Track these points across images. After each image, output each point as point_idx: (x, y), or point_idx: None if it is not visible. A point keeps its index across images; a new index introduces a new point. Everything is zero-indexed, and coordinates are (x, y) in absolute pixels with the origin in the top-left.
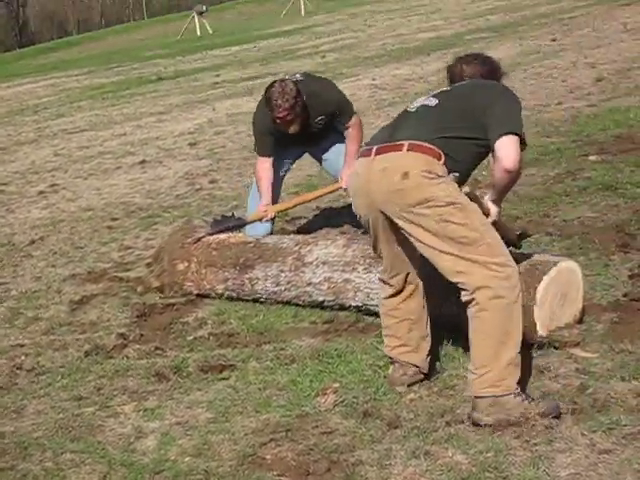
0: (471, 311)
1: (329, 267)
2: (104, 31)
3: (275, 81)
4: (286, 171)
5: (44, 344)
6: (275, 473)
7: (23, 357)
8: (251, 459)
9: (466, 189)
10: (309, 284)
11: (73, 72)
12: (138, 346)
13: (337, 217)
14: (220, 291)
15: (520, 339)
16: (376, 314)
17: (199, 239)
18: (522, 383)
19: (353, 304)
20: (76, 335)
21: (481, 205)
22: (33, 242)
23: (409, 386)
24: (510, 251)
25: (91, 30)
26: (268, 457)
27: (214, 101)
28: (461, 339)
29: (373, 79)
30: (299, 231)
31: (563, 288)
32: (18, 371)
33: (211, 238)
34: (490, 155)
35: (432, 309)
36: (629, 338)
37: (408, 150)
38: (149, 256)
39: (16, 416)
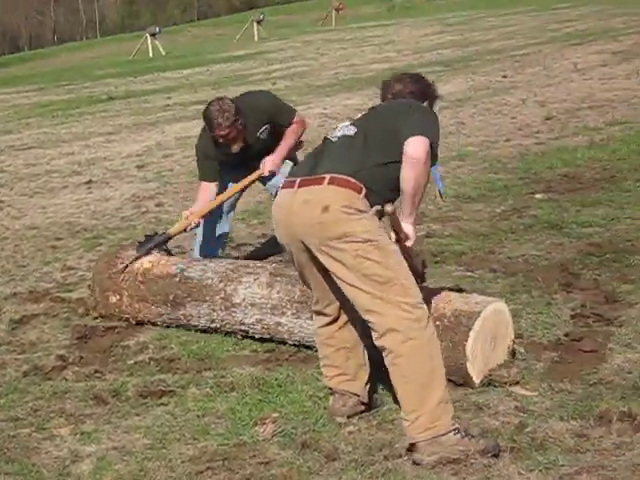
0: (387, 359)
1: (258, 309)
2: (56, 48)
3: (213, 100)
4: (239, 195)
5: None
6: None
7: None
8: None
9: (389, 208)
10: (242, 324)
11: (23, 88)
12: (77, 368)
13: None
14: (158, 323)
15: (443, 372)
16: (315, 348)
17: (125, 268)
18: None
19: (290, 342)
20: (15, 355)
21: (400, 228)
22: None
23: (349, 418)
24: (440, 289)
25: (43, 47)
26: None
27: (164, 124)
28: None
29: (324, 108)
30: (245, 257)
31: (492, 332)
32: None
33: (136, 267)
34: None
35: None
36: (569, 378)
37: (329, 183)
38: (91, 278)
39: None
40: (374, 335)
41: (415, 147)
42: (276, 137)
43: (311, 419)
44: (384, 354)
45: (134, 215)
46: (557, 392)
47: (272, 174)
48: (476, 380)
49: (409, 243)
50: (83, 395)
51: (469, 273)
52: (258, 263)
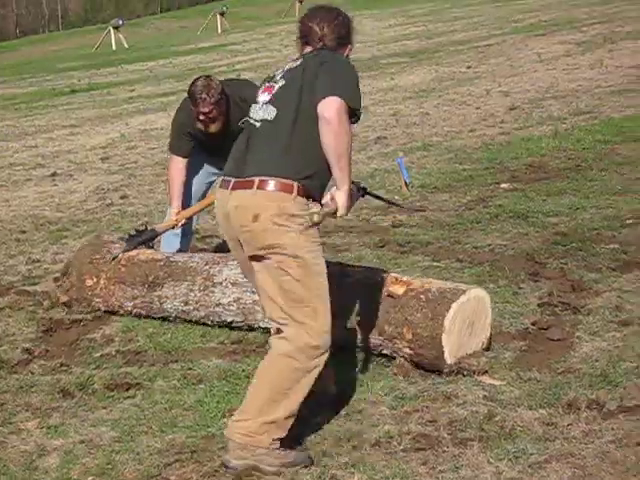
0: (267, 355)
1: (238, 288)
2: (19, 41)
3: (200, 76)
4: (211, 183)
5: None
6: None
7: None
8: None
9: (316, 218)
10: (218, 304)
11: None
12: (43, 362)
13: None
14: (128, 308)
15: (297, 405)
16: None
17: (114, 259)
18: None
19: (262, 325)
20: None
21: (328, 210)
22: None
23: (317, 409)
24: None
25: (6, 40)
26: (173, 478)
27: (127, 116)
28: (369, 363)
29: None
30: (213, 250)
31: (471, 317)
32: None
33: (120, 254)
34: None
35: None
36: (537, 367)
37: (258, 188)
38: (57, 270)
39: None
40: (272, 329)
41: (326, 108)
42: None
43: None
44: (268, 348)
45: (98, 207)
46: (525, 381)
47: None
48: (447, 357)
49: (339, 213)
50: (49, 389)
51: (435, 263)
52: None
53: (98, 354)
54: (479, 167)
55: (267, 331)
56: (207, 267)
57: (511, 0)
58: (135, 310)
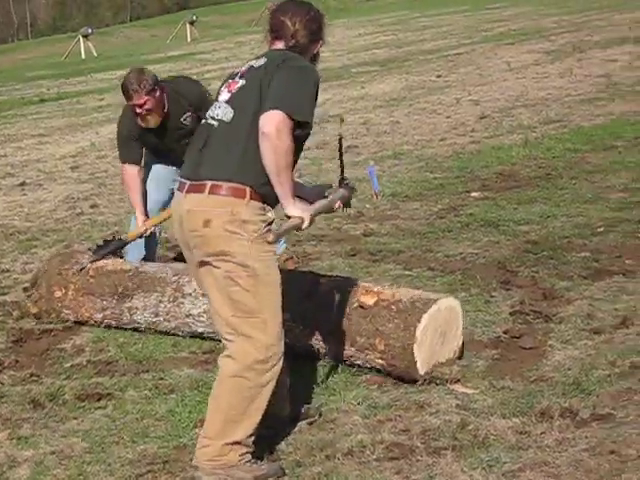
0: (218, 376)
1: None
2: None
3: (132, 69)
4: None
5: None
6: None
7: None
8: None
9: (270, 238)
10: (188, 315)
11: None
12: (13, 372)
13: None
14: (98, 320)
15: (257, 420)
16: None
17: (81, 269)
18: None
19: None
20: None
21: (286, 227)
22: None
23: (290, 419)
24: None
25: None
26: None
27: (97, 125)
28: (341, 373)
29: None
30: (179, 259)
31: (443, 326)
32: None
33: (88, 265)
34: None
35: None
36: (509, 375)
37: (210, 193)
38: (27, 280)
39: None
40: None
41: (266, 122)
42: None
43: None
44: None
45: (68, 217)
46: (498, 389)
47: None
48: (420, 368)
49: (304, 225)
50: (19, 399)
51: (407, 272)
52: None
53: (69, 364)
54: (450, 176)
55: None
56: (176, 277)
57: (480, 9)
58: (105, 321)
